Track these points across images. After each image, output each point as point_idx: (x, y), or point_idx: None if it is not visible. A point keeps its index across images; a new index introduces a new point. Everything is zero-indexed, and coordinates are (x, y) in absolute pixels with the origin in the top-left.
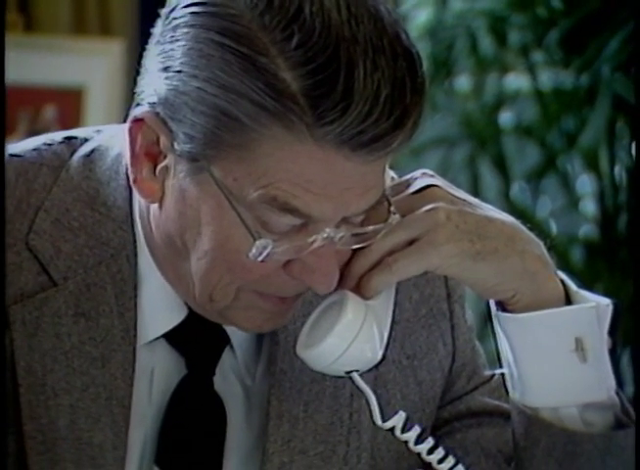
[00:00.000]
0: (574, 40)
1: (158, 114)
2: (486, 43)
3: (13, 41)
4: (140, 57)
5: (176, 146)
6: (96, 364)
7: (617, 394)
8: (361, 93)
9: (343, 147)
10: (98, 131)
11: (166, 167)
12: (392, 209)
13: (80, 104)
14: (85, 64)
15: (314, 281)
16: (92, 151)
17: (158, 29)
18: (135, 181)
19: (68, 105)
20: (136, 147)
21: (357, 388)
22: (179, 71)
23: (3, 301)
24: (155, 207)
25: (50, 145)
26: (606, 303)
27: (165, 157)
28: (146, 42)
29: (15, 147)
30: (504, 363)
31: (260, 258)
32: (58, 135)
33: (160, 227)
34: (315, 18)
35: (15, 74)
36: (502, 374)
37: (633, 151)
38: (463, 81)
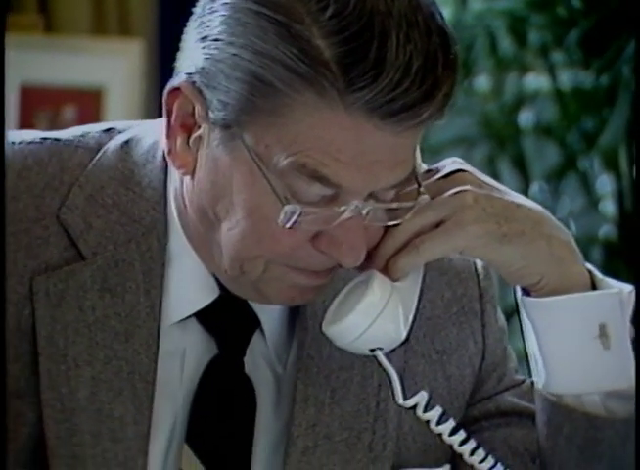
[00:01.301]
0: (594, 40)
1: (194, 83)
2: (506, 43)
3: (33, 42)
4: (159, 57)
5: (211, 114)
6: (119, 339)
7: None
8: (393, 62)
9: (373, 115)
10: (137, 125)
11: (200, 137)
12: (422, 189)
13: (100, 104)
14: (105, 64)
15: (341, 254)
16: (130, 139)
17: (198, 7)
18: (170, 153)
19: (88, 105)
20: (172, 118)
21: (380, 366)
22: (216, 40)
23: (3, 296)
24: (188, 180)
25: (88, 133)
26: (629, 289)
27: (199, 127)
28: (165, 43)
29: (51, 133)
30: (529, 351)
31: (288, 225)
32: (97, 126)
33: (194, 200)
34: None
35: (34, 75)
36: (532, 381)
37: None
38: (482, 81)
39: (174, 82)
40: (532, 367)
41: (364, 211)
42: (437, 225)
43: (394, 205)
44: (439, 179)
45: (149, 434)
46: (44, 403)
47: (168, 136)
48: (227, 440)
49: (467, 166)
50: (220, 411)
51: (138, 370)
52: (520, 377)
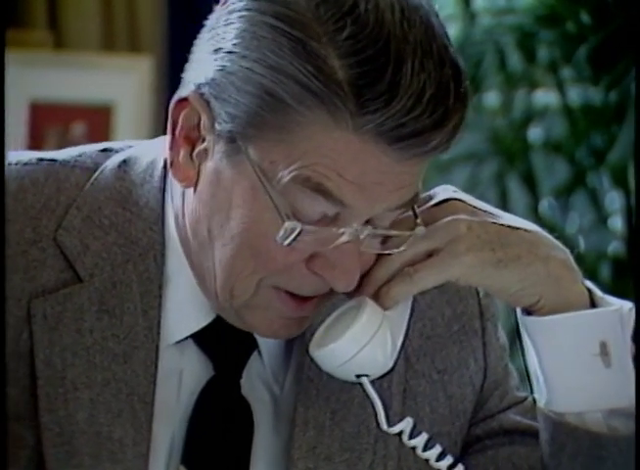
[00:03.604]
0: (603, 56)
1: (202, 94)
2: (515, 59)
3: (42, 59)
4: (169, 73)
5: (217, 126)
6: (118, 360)
7: None
8: (406, 89)
9: (382, 139)
10: (134, 144)
11: (204, 150)
12: (419, 220)
13: (109, 121)
14: (114, 80)
15: (334, 277)
16: (127, 158)
17: (212, 19)
18: (172, 165)
19: (97, 122)
20: (176, 130)
21: (365, 393)
22: (230, 52)
23: (3, 300)
24: (190, 194)
25: (85, 153)
26: (629, 306)
27: (204, 141)
28: (175, 59)
29: (47, 154)
30: (530, 370)
31: (287, 242)
32: (94, 146)
33: (192, 214)
34: (369, 14)
35: (44, 92)
36: (534, 398)
37: None
38: (491, 97)
39: (182, 93)
40: (534, 386)
41: (362, 236)
42: (430, 254)
43: (392, 232)
44: (432, 207)
45: (148, 455)
46: (43, 426)
47: (171, 148)
48: (224, 461)
49: (459, 194)
50: (217, 433)
51: (137, 392)
52: (522, 394)
